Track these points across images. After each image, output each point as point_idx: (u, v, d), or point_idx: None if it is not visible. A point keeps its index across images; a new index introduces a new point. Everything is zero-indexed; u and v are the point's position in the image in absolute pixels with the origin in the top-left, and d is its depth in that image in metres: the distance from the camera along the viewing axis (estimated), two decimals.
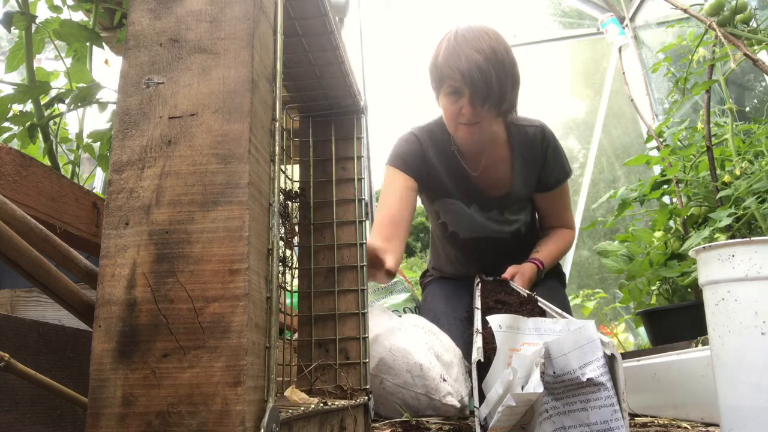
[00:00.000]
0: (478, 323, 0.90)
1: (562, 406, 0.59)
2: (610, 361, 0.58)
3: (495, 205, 1.81)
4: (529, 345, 0.62)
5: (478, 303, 1.14)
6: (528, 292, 1.25)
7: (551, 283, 1.82)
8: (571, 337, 0.58)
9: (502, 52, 1.58)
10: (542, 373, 0.58)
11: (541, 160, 1.78)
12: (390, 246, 1.51)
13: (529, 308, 1.06)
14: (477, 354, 0.67)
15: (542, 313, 0.93)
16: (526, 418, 0.61)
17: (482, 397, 0.64)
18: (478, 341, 0.71)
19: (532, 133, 1.79)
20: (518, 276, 1.60)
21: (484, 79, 1.54)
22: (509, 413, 0.57)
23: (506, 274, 1.60)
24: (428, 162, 1.78)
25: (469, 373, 1.40)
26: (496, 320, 0.66)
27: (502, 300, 1.15)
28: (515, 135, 1.78)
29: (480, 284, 1.49)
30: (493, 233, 1.84)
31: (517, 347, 0.63)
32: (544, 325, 0.65)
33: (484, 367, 0.66)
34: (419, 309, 1.94)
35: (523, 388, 0.58)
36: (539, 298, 1.12)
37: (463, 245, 1.87)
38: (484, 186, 1.80)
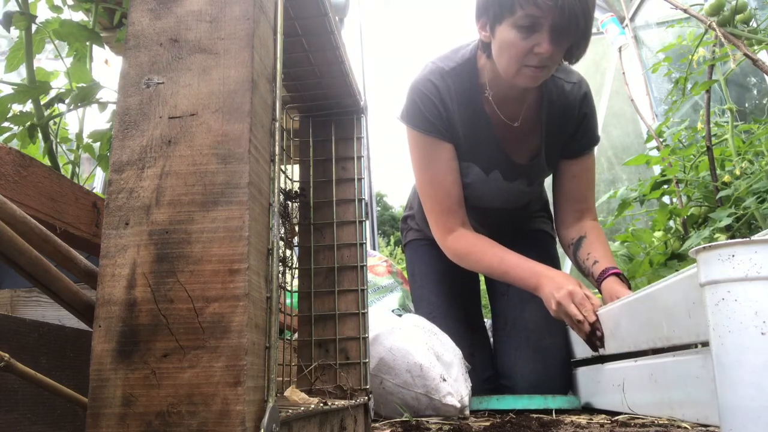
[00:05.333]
0: None
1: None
2: None
3: (521, 173, 1.56)
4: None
5: None
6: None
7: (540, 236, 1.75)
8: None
9: None
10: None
11: (574, 125, 1.53)
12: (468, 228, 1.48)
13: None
14: None
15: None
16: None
17: None
18: None
19: (569, 90, 1.52)
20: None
21: (582, 11, 1.25)
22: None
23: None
24: (449, 118, 1.49)
25: (470, 372, 1.40)
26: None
27: None
28: (550, 89, 1.50)
29: None
30: (506, 204, 1.62)
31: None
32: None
33: None
34: (410, 288, 1.88)
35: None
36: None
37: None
38: (510, 149, 1.54)
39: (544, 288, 1.36)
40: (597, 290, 1.53)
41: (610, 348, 1.23)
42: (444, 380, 1.21)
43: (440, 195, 1.49)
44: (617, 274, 1.45)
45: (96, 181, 2.16)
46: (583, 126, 1.55)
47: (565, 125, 1.54)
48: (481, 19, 1.40)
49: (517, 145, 1.55)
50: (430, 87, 1.48)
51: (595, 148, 1.62)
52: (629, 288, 1.42)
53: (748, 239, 0.64)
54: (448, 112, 1.49)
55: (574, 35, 1.29)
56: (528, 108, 1.52)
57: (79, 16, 1.13)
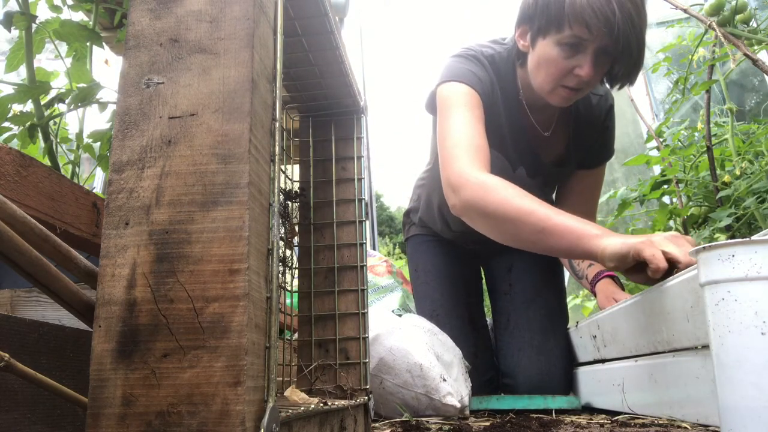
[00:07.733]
0: None
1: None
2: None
3: (544, 173, 1.54)
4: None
5: None
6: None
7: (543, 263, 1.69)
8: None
9: (645, 7, 1.19)
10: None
11: (596, 136, 1.53)
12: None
13: None
14: None
15: None
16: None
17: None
18: None
19: (595, 103, 1.51)
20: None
21: (636, 38, 1.17)
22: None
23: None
24: (493, 92, 1.39)
25: (472, 373, 1.40)
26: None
27: None
28: (578, 100, 1.46)
29: None
30: None
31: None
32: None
33: None
34: (411, 283, 1.86)
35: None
36: None
37: None
38: (540, 149, 1.51)
39: (614, 243, 1.01)
40: (591, 293, 1.53)
41: (610, 352, 1.23)
42: (444, 380, 1.21)
43: (471, 133, 1.27)
44: (612, 276, 1.46)
45: (96, 181, 2.16)
46: (603, 138, 1.55)
47: (588, 136, 1.53)
48: (522, 27, 1.33)
49: (544, 149, 1.56)
50: (472, 57, 1.39)
51: None
52: (623, 290, 1.43)
53: (748, 239, 0.64)
54: (492, 84, 1.38)
55: (625, 62, 1.23)
56: (557, 117, 1.51)
57: (79, 16, 1.13)
